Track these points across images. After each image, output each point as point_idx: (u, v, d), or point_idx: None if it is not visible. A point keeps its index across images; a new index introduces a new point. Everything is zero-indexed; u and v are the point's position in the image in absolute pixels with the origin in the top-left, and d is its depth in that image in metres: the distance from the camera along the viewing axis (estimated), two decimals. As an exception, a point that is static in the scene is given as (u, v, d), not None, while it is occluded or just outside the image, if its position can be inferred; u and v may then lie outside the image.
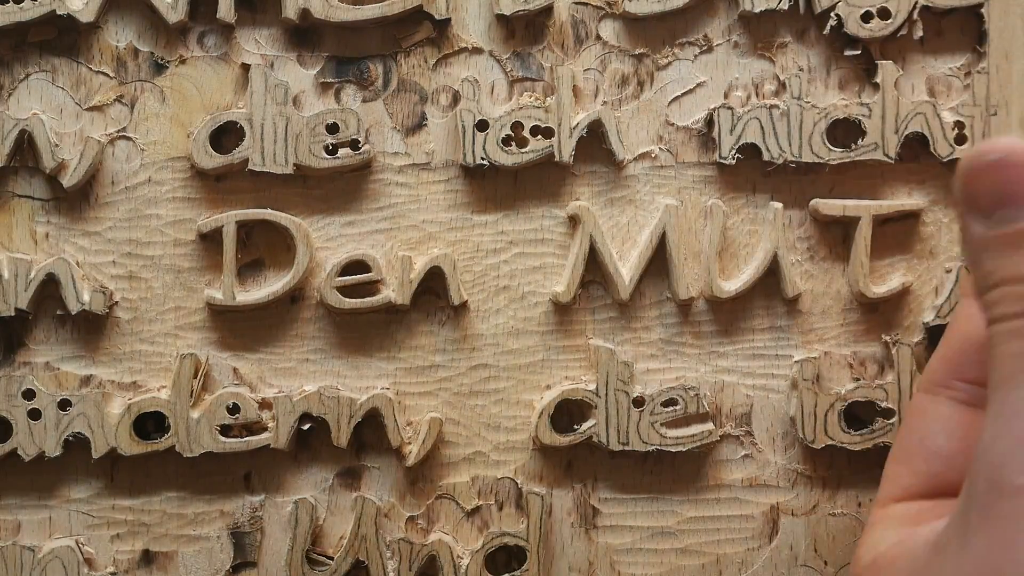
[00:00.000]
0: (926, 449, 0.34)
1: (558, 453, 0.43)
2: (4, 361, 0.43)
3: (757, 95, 0.43)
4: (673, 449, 0.43)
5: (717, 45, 0.44)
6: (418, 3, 0.43)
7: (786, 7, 0.43)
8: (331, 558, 0.43)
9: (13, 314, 0.43)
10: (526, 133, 0.43)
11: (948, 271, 0.43)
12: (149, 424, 0.43)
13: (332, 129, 0.43)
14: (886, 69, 0.43)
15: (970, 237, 0.30)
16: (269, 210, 0.43)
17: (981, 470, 0.29)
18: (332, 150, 0.43)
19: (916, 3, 0.43)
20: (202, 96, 0.43)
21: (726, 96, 0.43)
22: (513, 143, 0.43)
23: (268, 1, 0.43)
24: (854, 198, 0.43)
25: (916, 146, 0.43)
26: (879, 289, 0.43)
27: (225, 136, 0.43)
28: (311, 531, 0.43)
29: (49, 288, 0.43)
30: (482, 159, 0.43)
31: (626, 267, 0.43)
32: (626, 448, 0.43)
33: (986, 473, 0.28)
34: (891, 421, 0.42)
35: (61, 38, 0.43)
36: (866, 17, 0.43)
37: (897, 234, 0.43)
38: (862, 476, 0.43)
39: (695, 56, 0.44)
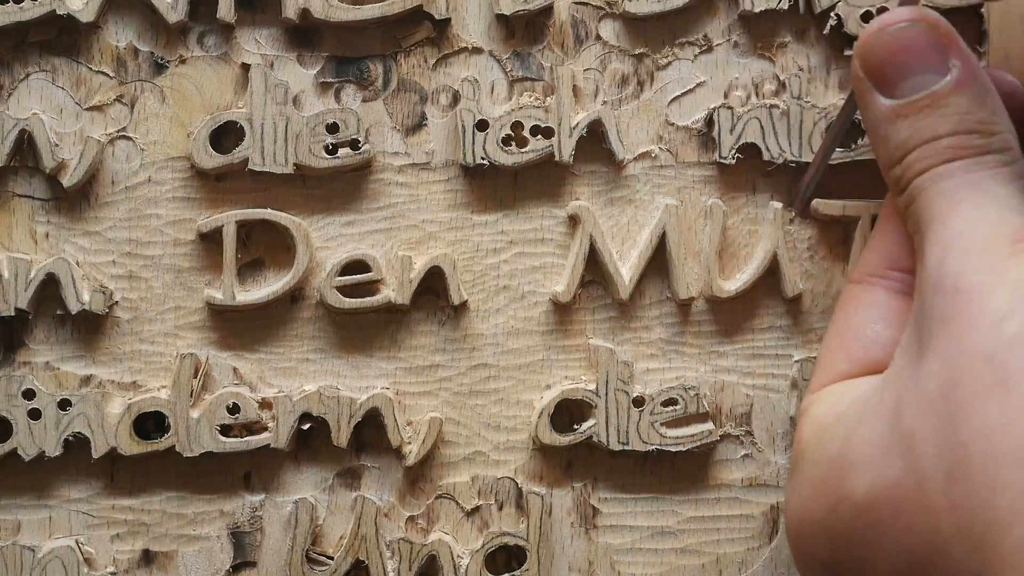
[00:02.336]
0: (863, 335, 0.34)
1: (558, 453, 0.43)
2: (4, 361, 0.43)
3: (757, 95, 0.43)
4: (673, 449, 0.43)
5: (717, 45, 0.44)
6: (418, 3, 0.43)
7: (786, 7, 0.43)
8: (331, 558, 0.43)
9: (13, 314, 0.43)
10: (526, 133, 0.43)
11: None
12: (149, 424, 0.43)
13: (332, 129, 0.43)
14: (886, 69, 0.43)
15: (876, 112, 0.31)
16: (269, 210, 0.43)
17: (935, 285, 0.29)
18: (332, 150, 0.43)
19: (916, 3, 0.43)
20: (202, 96, 0.43)
21: (726, 96, 0.43)
22: (513, 143, 0.43)
23: (268, 1, 0.43)
24: (854, 198, 0.43)
25: (916, 146, 0.43)
26: (879, 289, 0.43)
27: (225, 136, 0.43)
28: (311, 531, 0.43)
29: (49, 288, 0.43)
30: (482, 159, 0.43)
31: (626, 267, 0.43)
32: (626, 448, 0.43)
33: (943, 283, 0.28)
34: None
35: (61, 38, 0.43)
36: (866, 17, 0.43)
37: (897, 234, 0.43)
38: (862, 476, 0.43)
39: (695, 56, 0.44)
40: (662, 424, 0.43)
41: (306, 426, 0.43)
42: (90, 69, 0.43)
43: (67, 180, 0.43)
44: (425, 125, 0.44)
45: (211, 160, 0.43)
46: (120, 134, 0.43)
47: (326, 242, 0.43)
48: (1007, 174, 0.30)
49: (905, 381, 0.29)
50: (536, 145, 0.43)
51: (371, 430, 0.43)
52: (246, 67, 0.43)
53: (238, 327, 0.44)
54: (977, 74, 0.31)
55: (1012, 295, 0.27)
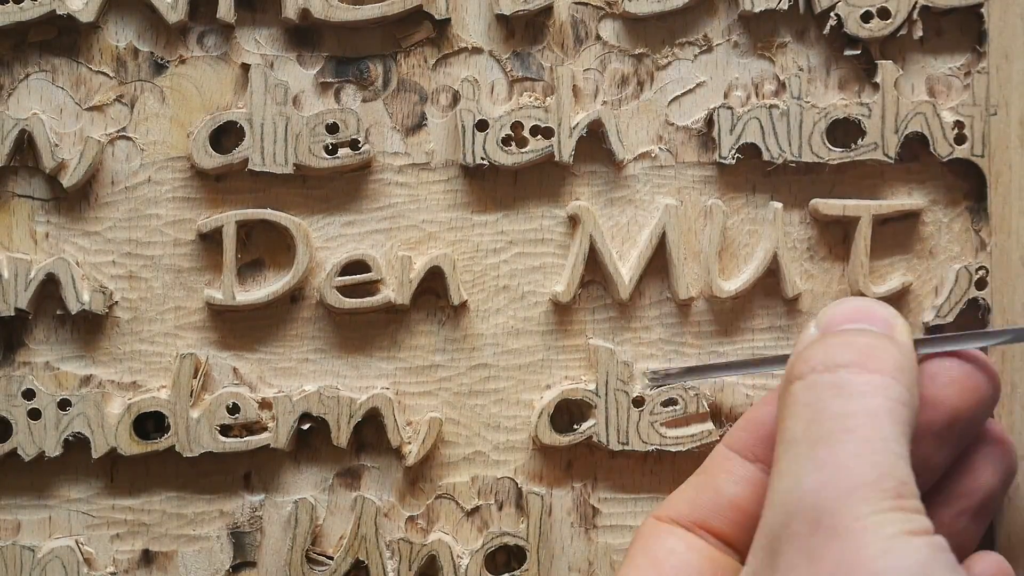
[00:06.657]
0: (716, 489, 0.37)
1: (558, 453, 0.43)
2: (4, 361, 0.43)
3: (757, 95, 0.43)
4: (673, 449, 0.43)
5: (717, 45, 0.44)
6: (418, 3, 0.43)
7: (786, 7, 0.43)
8: (331, 558, 0.43)
9: (13, 314, 0.43)
10: (526, 133, 0.43)
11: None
12: (149, 424, 0.43)
13: (332, 129, 0.43)
14: (886, 69, 0.43)
15: (806, 336, 0.36)
16: (269, 210, 0.43)
17: (800, 512, 0.31)
18: (332, 150, 0.43)
19: (916, 3, 0.43)
20: (202, 96, 0.43)
21: (726, 96, 0.43)
22: (513, 143, 0.43)
23: (268, 1, 0.43)
24: (854, 198, 0.43)
25: (916, 146, 0.43)
26: (879, 289, 0.43)
27: (225, 136, 0.43)
28: (311, 531, 0.43)
29: (49, 288, 0.43)
30: (482, 159, 0.43)
31: (626, 267, 0.43)
32: (626, 448, 0.43)
33: (810, 515, 0.30)
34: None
35: (61, 38, 0.43)
36: (866, 17, 0.43)
37: (897, 234, 0.43)
38: (862, 476, 0.43)
39: (695, 56, 0.44)
40: (662, 424, 0.43)
41: (306, 426, 0.43)
42: (90, 69, 0.43)
43: (67, 180, 0.43)
44: (425, 125, 0.44)
45: (211, 160, 0.43)
46: (120, 134, 0.43)
47: (326, 242, 0.43)
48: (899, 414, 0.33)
49: None
50: (536, 145, 0.43)
51: (371, 430, 0.43)
52: (246, 67, 0.43)
53: (238, 327, 0.44)
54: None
55: (886, 553, 0.29)
